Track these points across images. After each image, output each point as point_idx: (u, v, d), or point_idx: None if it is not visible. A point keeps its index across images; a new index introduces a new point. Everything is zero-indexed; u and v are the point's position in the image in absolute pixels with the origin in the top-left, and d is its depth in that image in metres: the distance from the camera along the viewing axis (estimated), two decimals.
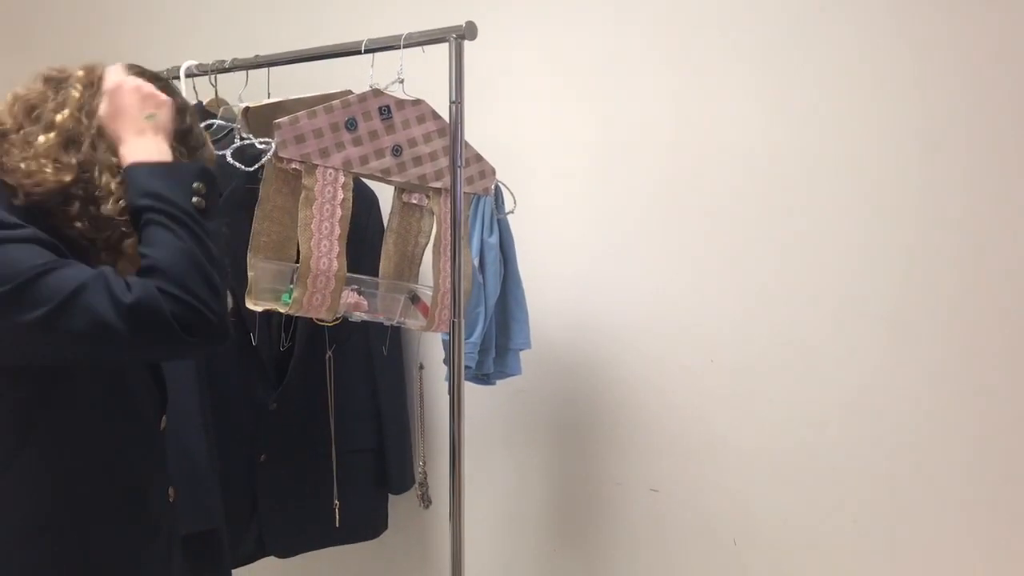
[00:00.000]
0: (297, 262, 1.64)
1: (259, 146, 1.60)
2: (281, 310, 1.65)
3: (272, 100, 1.73)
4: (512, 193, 1.94)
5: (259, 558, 2.06)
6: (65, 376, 1.19)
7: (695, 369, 1.97)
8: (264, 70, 1.84)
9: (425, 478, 2.26)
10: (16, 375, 1.16)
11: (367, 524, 2.18)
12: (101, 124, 1.23)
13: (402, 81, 1.69)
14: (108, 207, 1.20)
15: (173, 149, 1.26)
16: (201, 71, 1.87)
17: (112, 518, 1.25)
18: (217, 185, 1.28)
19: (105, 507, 1.24)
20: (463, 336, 1.72)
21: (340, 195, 1.65)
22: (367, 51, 1.67)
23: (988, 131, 1.66)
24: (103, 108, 1.23)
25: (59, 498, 1.20)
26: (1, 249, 1.09)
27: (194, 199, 1.21)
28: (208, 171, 1.26)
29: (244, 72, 1.85)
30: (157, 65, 1.36)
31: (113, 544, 1.25)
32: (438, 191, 1.78)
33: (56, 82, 1.24)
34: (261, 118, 1.66)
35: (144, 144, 1.23)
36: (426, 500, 2.27)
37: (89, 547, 1.22)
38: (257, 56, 1.83)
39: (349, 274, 1.68)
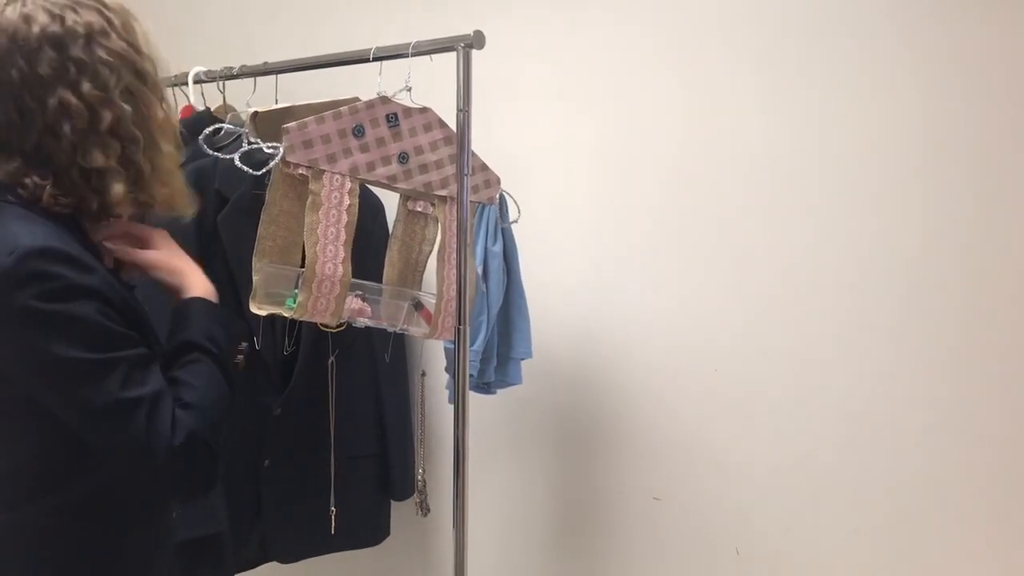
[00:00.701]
0: (302, 267, 1.65)
1: (267, 151, 1.61)
2: (285, 314, 1.65)
3: (281, 105, 1.74)
4: (516, 202, 1.95)
5: (262, 563, 2.06)
6: None
7: (698, 378, 1.98)
8: (272, 77, 1.86)
9: (424, 486, 2.26)
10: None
11: (369, 530, 2.18)
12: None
13: (409, 89, 1.70)
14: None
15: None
16: (209, 78, 1.89)
17: (140, 528, 1.26)
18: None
19: (136, 518, 1.25)
20: (468, 343, 1.73)
21: (346, 201, 1.66)
22: (375, 59, 1.69)
23: (992, 138, 1.67)
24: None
25: (102, 511, 1.20)
26: (77, 304, 1.07)
27: (238, 357, 1.32)
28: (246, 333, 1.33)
29: (252, 79, 1.87)
30: (164, 71, 1.36)
31: (138, 554, 1.25)
32: (443, 199, 1.79)
33: None
34: (269, 123, 1.67)
35: (200, 280, 1.30)
36: (424, 508, 2.26)
37: (119, 556, 1.22)
38: (265, 63, 1.84)
39: (353, 280, 1.68)
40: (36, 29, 1.11)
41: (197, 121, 1.84)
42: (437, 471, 2.28)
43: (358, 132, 1.67)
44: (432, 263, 1.82)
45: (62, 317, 1.06)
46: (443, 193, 1.79)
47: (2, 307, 1.05)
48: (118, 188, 1.16)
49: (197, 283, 1.29)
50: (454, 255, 1.72)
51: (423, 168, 1.76)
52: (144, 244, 1.30)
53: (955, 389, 1.72)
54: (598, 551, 2.14)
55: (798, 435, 1.88)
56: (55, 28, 1.12)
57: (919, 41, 1.72)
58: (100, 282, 1.11)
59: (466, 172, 1.66)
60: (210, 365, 1.21)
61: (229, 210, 1.84)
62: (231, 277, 1.83)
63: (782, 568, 1.91)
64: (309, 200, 1.63)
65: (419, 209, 1.79)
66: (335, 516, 2.04)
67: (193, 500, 1.40)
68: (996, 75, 1.66)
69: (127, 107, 1.16)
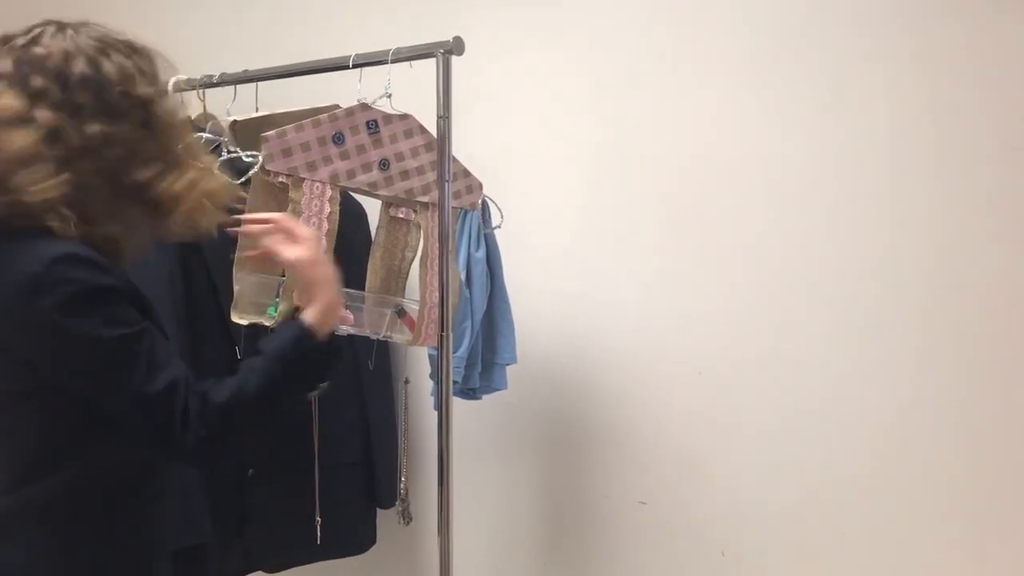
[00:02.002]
0: (283, 276, 1.64)
1: (246, 159, 1.60)
2: (267, 323, 1.64)
3: (260, 114, 1.74)
4: (499, 208, 1.95)
5: (247, 573, 2.05)
6: None
7: (682, 382, 1.98)
8: (252, 85, 1.85)
9: (407, 494, 2.25)
10: (63, 395, 1.20)
11: (355, 538, 2.17)
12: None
13: (390, 96, 1.70)
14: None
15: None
16: (189, 86, 1.87)
17: (147, 505, 1.29)
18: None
19: (144, 497, 1.29)
20: (451, 350, 1.73)
21: (327, 208, 1.65)
22: (355, 66, 1.69)
23: (991, 139, 1.66)
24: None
25: (111, 487, 1.24)
26: (97, 305, 1.14)
27: (313, 391, 1.31)
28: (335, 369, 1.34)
29: (232, 87, 1.86)
30: None
31: (147, 532, 1.29)
32: (425, 205, 1.79)
33: None
34: (249, 131, 1.66)
35: (320, 303, 1.29)
36: (407, 516, 2.25)
37: (128, 534, 1.26)
38: (245, 71, 1.84)
39: None
40: (76, 70, 1.18)
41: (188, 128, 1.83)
42: (421, 478, 2.28)
43: (338, 139, 1.66)
44: (415, 270, 1.81)
45: (86, 320, 1.13)
46: (425, 199, 1.78)
47: (33, 309, 1.12)
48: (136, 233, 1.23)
49: (315, 306, 1.29)
50: (437, 261, 1.72)
51: (404, 174, 1.75)
52: (293, 240, 1.33)
53: (945, 394, 1.72)
54: (584, 555, 2.13)
55: (783, 439, 1.88)
56: (90, 71, 1.19)
57: (919, 42, 1.72)
58: (117, 280, 1.17)
59: (447, 178, 1.66)
60: (261, 376, 1.22)
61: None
62: (213, 287, 1.82)
63: (768, 570, 1.91)
64: (289, 208, 1.62)
65: (401, 215, 1.78)
66: (320, 525, 2.03)
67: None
68: (996, 77, 1.66)
69: (143, 146, 1.22)
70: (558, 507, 2.17)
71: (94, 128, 1.18)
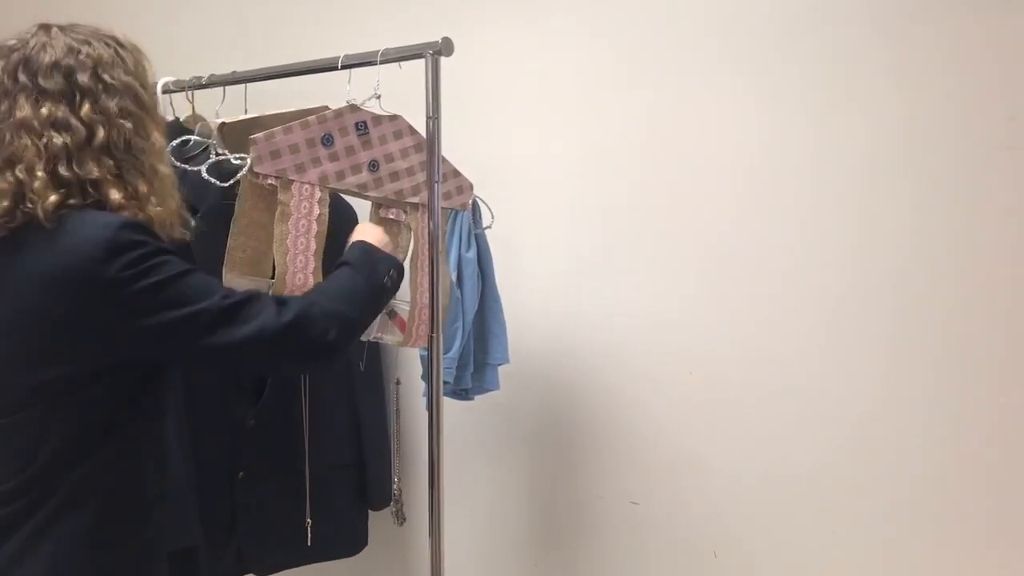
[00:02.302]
0: (272, 278, 1.63)
1: (234, 162, 1.60)
2: None
3: (248, 116, 1.73)
4: (490, 208, 1.94)
5: (241, 575, 2.04)
6: (151, 378, 1.31)
7: (674, 382, 1.98)
8: (241, 86, 1.84)
9: (400, 495, 2.25)
10: (113, 381, 1.25)
11: (347, 540, 2.16)
12: None
13: (379, 97, 1.69)
14: None
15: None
16: (178, 87, 1.87)
17: (158, 503, 1.34)
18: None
19: (146, 497, 1.32)
20: (442, 351, 1.72)
21: (316, 210, 1.65)
22: (344, 67, 1.68)
23: (978, 138, 1.66)
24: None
25: (114, 488, 1.27)
26: (166, 256, 1.24)
27: (386, 278, 1.53)
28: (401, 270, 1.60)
29: (221, 88, 1.85)
30: None
31: (147, 532, 1.33)
32: (415, 206, 1.78)
33: None
34: (237, 134, 1.65)
35: (366, 234, 1.60)
36: (400, 517, 2.25)
37: (130, 534, 1.30)
38: (234, 72, 1.83)
39: None
40: (49, 58, 1.25)
41: (167, 132, 1.83)
42: (414, 479, 2.27)
43: (327, 141, 1.66)
44: (406, 270, 1.81)
45: (156, 272, 1.22)
46: (415, 200, 1.78)
47: (105, 272, 1.18)
48: (115, 195, 1.25)
49: (364, 236, 1.58)
50: (427, 262, 1.71)
51: (394, 176, 1.75)
52: None
53: (935, 391, 1.72)
54: (577, 556, 2.13)
55: (775, 437, 1.88)
56: (69, 60, 1.26)
57: (902, 41, 1.72)
58: (170, 244, 1.28)
59: (437, 179, 1.66)
60: (346, 271, 1.47)
61: (199, 221, 1.81)
62: None
63: (761, 571, 1.91)
64: (278, 210, 1.61)
65: (392, 216, 1.78)
66: (311, 527, 2.03)
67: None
68: (982, 76, 1.66)
69: (126, 125, 1.27)
70: (550, 507, 2.17)
71: (84, 107, 1.24)
